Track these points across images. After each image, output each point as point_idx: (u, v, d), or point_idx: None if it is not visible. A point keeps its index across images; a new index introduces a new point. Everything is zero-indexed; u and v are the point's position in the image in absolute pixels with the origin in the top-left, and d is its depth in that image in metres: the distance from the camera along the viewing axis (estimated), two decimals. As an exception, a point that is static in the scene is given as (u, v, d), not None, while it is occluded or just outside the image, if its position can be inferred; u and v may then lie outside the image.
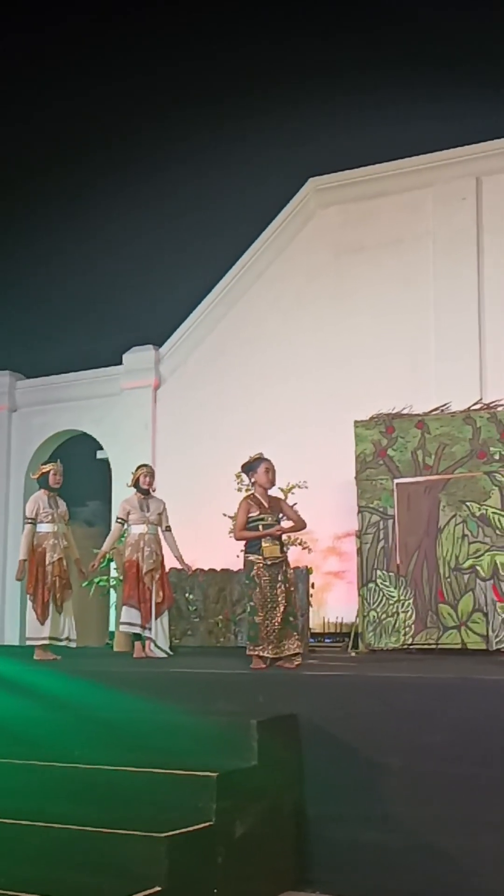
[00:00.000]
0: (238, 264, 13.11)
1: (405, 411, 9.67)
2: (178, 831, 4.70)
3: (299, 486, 10.58)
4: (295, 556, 10.60)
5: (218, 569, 10.68)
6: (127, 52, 14.03)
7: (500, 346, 11.30)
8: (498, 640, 8.84)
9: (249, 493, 7.54)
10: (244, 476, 7.86)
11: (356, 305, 12.20)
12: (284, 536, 7.51)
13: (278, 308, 12.80)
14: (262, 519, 7.31)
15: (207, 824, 4.90)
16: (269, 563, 7.21)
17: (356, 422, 9.81)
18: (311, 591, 10.22)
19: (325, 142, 13.12)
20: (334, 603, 11.32)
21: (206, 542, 10.39)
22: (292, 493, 10.51)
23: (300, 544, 10.66)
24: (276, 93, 13.32)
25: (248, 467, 7.55)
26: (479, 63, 12.20)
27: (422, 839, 5.52)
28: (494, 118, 11.49)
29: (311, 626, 10.38)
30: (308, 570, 10.19)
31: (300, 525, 7.62)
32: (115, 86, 14.26)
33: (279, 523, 7.46)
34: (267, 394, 12.47)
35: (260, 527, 7.28)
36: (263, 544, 7.21)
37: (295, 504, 10.34)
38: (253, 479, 7.51)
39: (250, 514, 7.32)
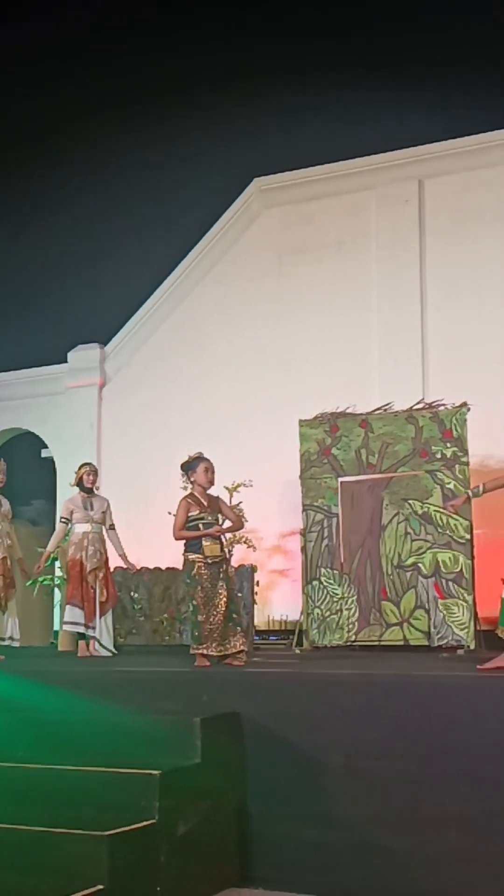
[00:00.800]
0: (183, 264, 13.12)
1: (349, 410, 9.76)
2: (119, 830, 4.70)
3: (244, 485, 10.62)
4: (240, 554, 10.66)
5: (163, 567, 10.68)
6: (68, 47, 13.95)
7: (442, 347, 11.44)
8: (439, 636, 8.95)
9: (189, 492, 7.57)
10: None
11: (300, 306, 12.27)
12: (229, 535, 7.55)
13: (223, 308, 12.83)
14: (202, 518, 7.35)
15: (150, 823, 4.91)
16: (209, 561, 7.24)
17: (301, 421, 9.88)
18: (256, 589, 10.26)
19: (270, 142, 13.17)
20: (279, 601, 11.39)
21: (152, 540, 10.37)
22: (237, 492, 10.56)
23: (245, 543, 10.70)
24: (222, 92, 13.33)
25: (188, 466, 7.58)
26: (421, 67, 12.32)
27: (363, 836, 5.57)
28: (437, 121, 11.63)
29: (255, 623, 10.42)
30: (253, 569, 10.23)
31: (238, 525, 7.82)
32: (56, 81, 14.17)
33: (219, 522, 7.50)
34: (212, 393, 12.50)
35: (200, 526, 7.32)
36: (204, 543, 7.25)
37: (240, 503, 10.44)
38: (192, 479, 7.54)
39: (190, 514, 7.36)
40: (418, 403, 9.62)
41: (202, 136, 13.27)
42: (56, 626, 11.91)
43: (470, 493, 6.79)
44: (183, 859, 5.10)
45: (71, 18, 13.66)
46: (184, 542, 7.41)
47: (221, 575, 7.27)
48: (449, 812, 5.39)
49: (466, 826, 5.32)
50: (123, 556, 9.07)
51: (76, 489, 9.10)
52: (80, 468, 9.13)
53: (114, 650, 8.84)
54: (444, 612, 8.98)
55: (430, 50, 12.44)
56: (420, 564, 9.16)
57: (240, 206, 12.81)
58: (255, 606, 10.25)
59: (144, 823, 4.89)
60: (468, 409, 9.23)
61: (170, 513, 7.58)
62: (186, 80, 13.32)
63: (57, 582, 11.40)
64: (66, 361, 13.82)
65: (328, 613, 9.40)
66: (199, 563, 7.24)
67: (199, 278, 13.06)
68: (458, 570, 9.00)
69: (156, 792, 4.99)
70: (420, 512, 9.25)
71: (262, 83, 13.07)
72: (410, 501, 9.29)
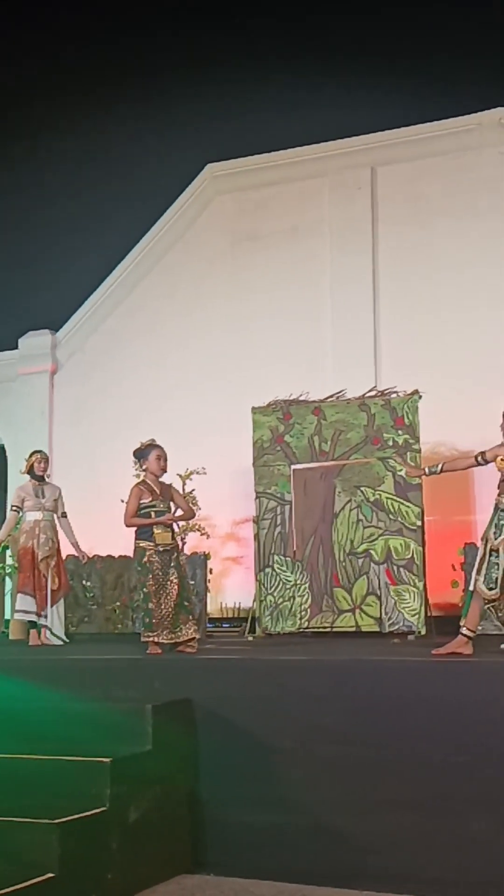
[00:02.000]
0: (136, 249, 13.04)
1: (302, 398, 9.77)
2: (70, 818, 4.69)
3: (198, 473, 10.60)
4: (193, 542, 10.64)
5: (116, 555, 10.64)
6: (14, 32, 13.76)
7: (394, 334, 11.50)
8: (391, 622, 9.02)
9: (141, 479, 7.54)
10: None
11: (253, 292, 12.25)
12: (182, 523, 7.54)
13: (176, 294, 12.78)
14: (154, 506, 7.33)
15: (101, 810, 4.90)
16: (160, 549, 7.23)
17: (254, 408, 9.88)
18: (209, 576, 10.25)
19: (224, 128, 13.11)
20: (232, 588, 11.39)
21: (104, 528, 10.31)
22: (190, 480, 10.54)
23: (198, 530, 10.68)
24: (176, 77, 13.26)
25: (140, 454, 7.55)
26: (374, 54, 12.33)
27: (315, 820, 5.61)
28: (390, 109, 11.64)
29: (209, 611, 10.42)
30: (206, 556, 10.22)
31: (189, 514, 7.87)
32: (12, 63, 13.99)
33: (171, 510, 7.49)
34: (165, 380, 12.46)
35: (152, 514, 7.30)
36: (155, 531, 7.24)
37: (193, 490, 10.42)
38: (144, 466, 7.52)
39: (141, 501, 7.34)
40: (371, 391, 9.66)
41: (155, 122, 13.19)
42: (7, 615, 11.82)
43: (427, 470, 6.83)
44: (134, 846, 5.09)
45: (25, 1, 13.51)
46: (135, 529, 7.38)
47: (173, 563, 7.26)
48: (401, 795, 5.44)
49: (418, 808, 5.38)
50: (75, 545, 9.02)
51: (27, 477, 9.02)
52: (30, 455, 9.05)
53: (65, 639, 8.79)
54: (396, 598, 9.04)
55: (383, 39, 12.46)
56: (372, 551, 9.21)
57: (193, 192, 12.76)
58: (209, 594, 10.25)
59: (95, 811, 4.89)
60: (420, 397, 9.29)
61: (122, 500, 7.55)
62: (137, 66, 13.23)
63: (8, 570, 11.32)
64: (16, 348, 13.68)
65: (281, 600, 9.42)
66: (151, 551, 7.22)
67: (152, 264, 12.99)
68: (409, 556, 9.07)
69: (107, 779, 4.99)
70: (372, 499, 9.29)
71: (214, 69, 13.02)
72: (363, 488, 9.33)
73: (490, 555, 6.26)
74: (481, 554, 6.35)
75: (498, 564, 6.21)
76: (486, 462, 6.47)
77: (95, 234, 13.58)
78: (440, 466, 6.75)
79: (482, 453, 6.48)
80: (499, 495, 6.36)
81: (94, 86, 13.29)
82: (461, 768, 5.34)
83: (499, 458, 6.37)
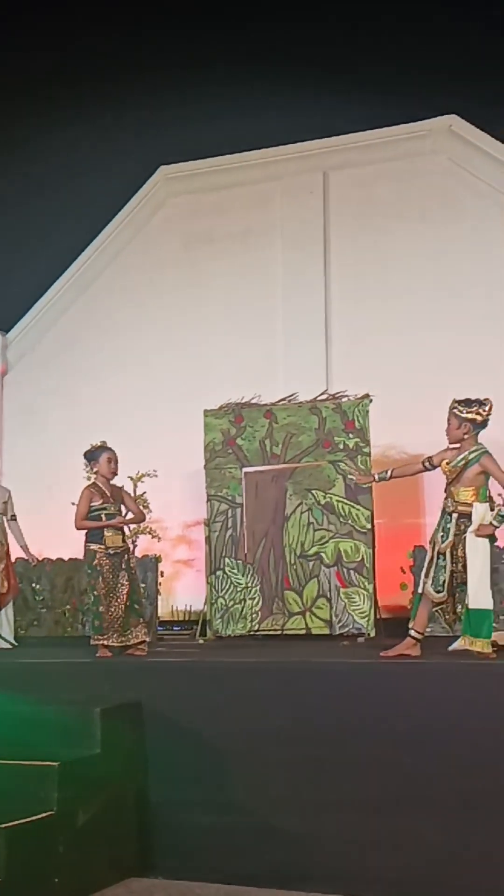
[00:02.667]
0: (89, 250, 12.99)
1: (254, 401, 9.80)
2: (17, 822, 4.68)
3: (149, 475, 10.57)
4: (144, 544, 10.62)
5: (66, 558, 10.59)
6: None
7: (346, 338, 11.56)
8: (340, 624, 9.07)
9: (92, 482, 7.52)
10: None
11: (207, 295, 12.26)
12: (133, 525, 7.53)
13: (130, 295, 12.75)
14: (105, 508, 7.32)
15: (48, 814, 4.89)
16: (111, 552, 7.22)
17: (206, 411, 9.89)
18: (160, 579, 10.25)
19: (177, 131, 13.08)
20: (183, 591, 11.38)
21: (55, 530, 10.27)
22: (142, 482, 10.50)
23: (150, 533, 10.66)
24: (129, 78, 13.20)
25: (91, 456, 7.54)
26: (327, 60, 12.38)
27: (264, 822, 5.63)
28: (342, 114, 11.70)
29: (159, 614, 10.40)
30: (157, 559, 10.22)
31: (140, 517, 7.87)
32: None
33: (121, 513, 7.48)
34: (117, 381, 12.41)
35: (102, 516, 7.29)
36: (106, 534, 7.23)
37: (144, 493, 10.38)
38: (95, 469, 7.50)
39: (92, 504, 7.32)
40: (322, 394, 9.71)
41: (107, 123, 13.12)
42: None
43: (377, 476, 6.89)
44: (82, 850, 5.09)
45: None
46: (85, 532, 7.36)
47: (123, 565, 7.25)
48: (349, 796, 5.48)
49: (365, 809, 5.42)
50: (25, 548, 8.97)
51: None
52: (-20, 457, 8.99)
53: (14, 642, 8.74)
54: (346, 600, 9.09)
55: (336, 43, 12.52)
56: (322, 554, 9.26)
57: (145, 193, 12.73)
58: (159, 597, 10.24)
59: (43, 815, 4.88)
60: (370, 401, 9.36)
61: (73, 503, 7.53)
62: (90, 67, 13.16)
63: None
64: (-34, 348, 13.55)
65: (232, 603, 9.44)
66: (101, 554, 7.21)
67: (105, 265, 12.95)
68: (359, 559, 9.13)
69: (55, 783, 4.98)
70: (323, 502, 9.34)
71: (168, 72, 12.99)
72: (313, 492, 9.38)
73: (437, 558, 6.33)
74: (429, 557, 6.42)
75: (445, 567, 6.28)
76: (434, 467, 6.54)
77: (47, 234, 13.49)
78: (389, 472, 6.81)
79: (429, 458, 6.55)
80: (445, 499, 6.44)
81: (45, 86, 13.21)
82: (408, 769, 5.39)
83: (444, 463, 6.45)
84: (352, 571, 9.13)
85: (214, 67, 12.68)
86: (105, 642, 7.10)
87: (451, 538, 6.28)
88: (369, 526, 9.17)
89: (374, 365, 10.94)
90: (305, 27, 12.43)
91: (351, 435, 9.34)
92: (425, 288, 11.23)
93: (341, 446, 9.35)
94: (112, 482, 7.55)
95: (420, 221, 11.46)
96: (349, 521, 9.21)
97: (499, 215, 11.10)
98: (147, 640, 7.39)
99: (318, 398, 9.63)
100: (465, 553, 6.19)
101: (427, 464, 6.58)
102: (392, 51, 11.95)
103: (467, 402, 6.43)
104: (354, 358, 11.31)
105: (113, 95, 12.88)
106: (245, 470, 9.65)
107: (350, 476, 8.66)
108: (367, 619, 8.99)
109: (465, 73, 11.35)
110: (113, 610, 7.12)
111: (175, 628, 10.92)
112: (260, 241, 12.15)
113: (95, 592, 7.15)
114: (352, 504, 9.21)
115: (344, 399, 9.51)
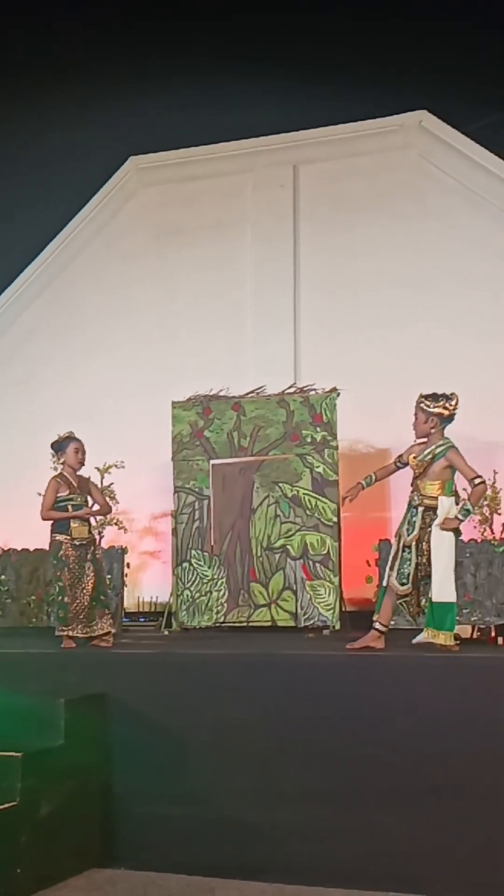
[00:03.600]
0: (56, 240, 12.89)
1: (222, 393, 9.80)
2: (-20, 813, 4.67)
3: (116, 466, 10.54)
4: (111, 535, 10.58)
5: (31, 549, 10.53)
6: None
7: (314, 332, 11.57)
8: (306, 616, 9.10)
9: (58, 472, 7.49)
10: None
11: (176, 287, 12.22)
12: (100, 517, 7.52)
13: (98, 286, 12.68)
14: (71, 499, 7.30)
15: (11, 805, 4.88)
16: (77, 543, 7.20)
17: (174, 402, 9.88)
18: (126, 570, 10.21)
19: (148, 121, 13.01)
20: (149, 582, 11.36)
21: (20, 521, 10.22)
22: (109, 473, 10.47)
23: (116, 524, 10.63)
24: (100, 67, 13.11)
25: (58, 446, 7.51)
26: (299, 54, 12.36)
27: (227, 813, 5.66)
28: (312, 107, 11.69)
29: (125, 605, 10.37)
30: (123, 550, 10.18)
31: (106, 509, 7.91)
32: None
33: (88, 504, 7.46)
34: (85, 372, 12.34)
35: (68, 507, 7.27)
36: (72, 525, 7.21)
37: (111, 484, 10.35)
38: (62, 459, 7.48)
39: (59, 494, 7.30)
40: (290, 388, 9.73)
41: (77, 112, 13.03)
42: None
43: (363, 483, 6.90)
44: (45, 840, 5.08)
45: None
46: (51, 522, 7.34)
47: (89, 556, 7.24)
48: (311, 787, 5.52)
49: (327, 800, 5.46)
50: (-10, 537, 8.93)
51: None
52: None
53: (-21, 632, 8.69)
54: (311, 593, 9.13)
55: (308, 37, 12.51)
56: (289, 546, 9.29)
57: (115, 183, 12.66)
58: (125, 588, 10.20)
59: (5, 805, 4.87)
60: (338, 394, 9.39)
61: (39, 493, 7.49)
62: (60, 55, 13.06)
63: None
64: None
65: (198, 595, 9.45)
66: (67, 545, 7.19)
67: (73, 256, 12.86)
68: (325, 552, 9.16)
69: (18, 773, 4.98)
70: (290, 495, 9.37)
71: (139, 62, 12.91)
72: (281, 484, 9.40)
73: (403, 551, 6.38)
74: (394, 550, 6.46)
75: (410, 560, 6.33)
76: (405, 465, 6.63)
77: (14, 224, 13.38)
78: (373, 478, 6.84)
79: (399, 457, 6.64)
80: (412, 493, 6.48)
81: (12, 75, 13.10)
82: (370, 761, 5.44)
83: (411, 457, 6.50)
84: (317, 564, 9.17)
85: (186, 59, 12.62)
86: (70, 633, 7.09)
87: (416, 531, 6.33)
88: (335, 519, 9.21)
89: (342, 359, 10.95)
90: (278, 21, 12.40)
91: (318, 428, 9.37)
92: (394, 282, 11.25)
93: (309, 440, 9.38)
94: (79, 473, 7.53)
95: (390, 216, 11.47)
96: (315, 515, 9.24)
97: (467, 211, 11.14)
98: (112, 631, 7.38)
99: (287, 391, 9.65)
100: (430, 546, 6.24)
101: (398, 463, 6.68)
102: (364, 46, 11.95)
103: (434, 397, 6.48)
104: (323, 351, 11.32)
105: (84, 84, 12.79)
106: (213, 462, 9.66)
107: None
108: (332, 611, 9.03)
109: (436, 69, 11.37)
110: (78, 601, 7.11)
111: (141, 620, 10.90)
112: (230, 233, 12.13)
113: (61, 583, 7.14)
114: (318, 497, 9.24)
115: (312, 392, 9.53)
